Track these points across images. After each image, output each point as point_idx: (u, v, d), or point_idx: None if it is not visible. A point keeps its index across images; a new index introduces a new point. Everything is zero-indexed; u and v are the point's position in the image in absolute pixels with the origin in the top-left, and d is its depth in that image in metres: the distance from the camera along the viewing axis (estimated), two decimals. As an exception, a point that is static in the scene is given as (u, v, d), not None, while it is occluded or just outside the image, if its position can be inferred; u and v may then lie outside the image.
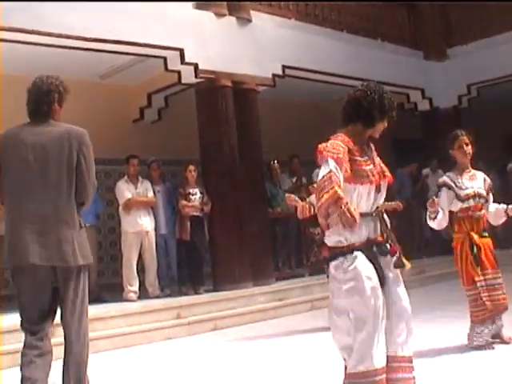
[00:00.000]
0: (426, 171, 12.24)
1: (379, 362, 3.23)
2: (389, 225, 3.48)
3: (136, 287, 8.41)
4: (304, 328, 7.36)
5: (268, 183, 9.99)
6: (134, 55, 8.84)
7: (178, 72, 8.98)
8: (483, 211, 5.43)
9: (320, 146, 3.40)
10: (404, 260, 3.41)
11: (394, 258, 3.41)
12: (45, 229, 3.77)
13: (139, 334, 7.20)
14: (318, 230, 10.07)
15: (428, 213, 5.33)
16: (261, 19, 9.84)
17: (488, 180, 5.56)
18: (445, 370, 4.76)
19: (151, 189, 8.78)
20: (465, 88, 12.86)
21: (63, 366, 3.91)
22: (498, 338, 5.46)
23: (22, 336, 4.10)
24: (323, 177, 3.24)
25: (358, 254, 3.32)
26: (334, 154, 3.27)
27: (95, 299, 7.58)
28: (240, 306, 8.32)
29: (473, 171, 5.56)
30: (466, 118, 12.32)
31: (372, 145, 3.57)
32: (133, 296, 8.30)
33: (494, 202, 5.58)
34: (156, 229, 8.79)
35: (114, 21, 7.92)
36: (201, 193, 8.80)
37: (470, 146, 5.49)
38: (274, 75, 9.85)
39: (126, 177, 8.72)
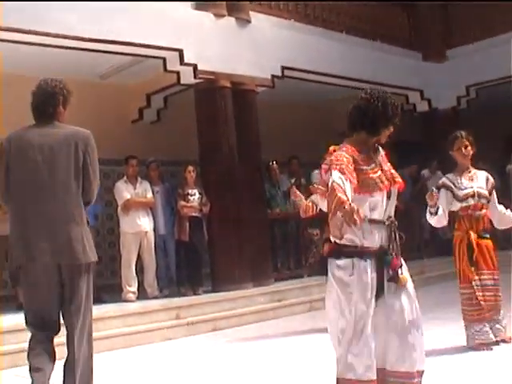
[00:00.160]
0: (425, 172, 12.24)
1: (363, 374, 3.22)
2: (397, 237, 3.45)
3: (135, 288, 8.40)
4: (303, 329, 7.36)
5: (267, 184, 9.99)
6: (133, 56, 8.83)
7: (177, 73, 8.98)
8: (484, 211, 5.43)
9: (324, 160, 3.39)
10: (400, 276, 3.38)
11: (391, 272, 3.39)
12: (54, 227, 3.84)
13: (138, 334, 7.20)
14: (316, 230, 10.12)
15: (428, 208, 5.32)
16: (260, 20, 9.84)
17: (491, 179, 5.56)
18: (442, 371, 4.76)
19: (150, 189, 8.78)
20: (464, 89, 12.87)
21: (66, 367, 3.90)
22: (500, 338, 5.46)
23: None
24: (329, 191, 3.19)
25: (367, 261, 3.30)
26: (337, 165, 3.23)
27: (94, 300, 7.54)
28: (239, 306, 8.32)
29: (474, 171, 5.55)
30: (464, 119, 12.32)
31: (381, 149, 3.53)
32: (132, 296, 8.29)
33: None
34: (155, 229, 8.80)
35: (114, 21, 7.92)
36: (200, 193, 8.79)
37: (469, 148, 5.49)
38: (273, 76, 9.85)
39: (124, 177, 8.72)
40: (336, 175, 3.20)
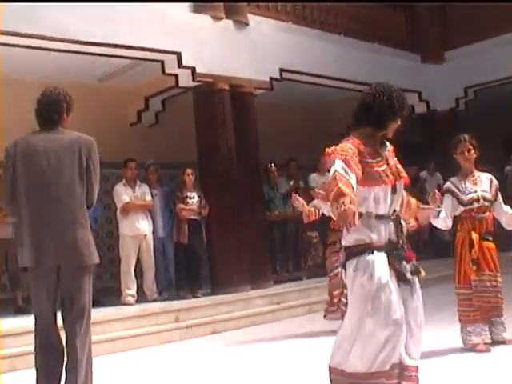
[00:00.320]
0: (423, 174, 12.24)
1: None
2: (405, 230, 3.46)
3: (134, 291, 8.40)
4: (302, 331, 7.36)
5: (265, 186, 9.99)
6: (132, 59, 8.83)
7: (176, 75, 8.98)
8: (487, 213, 5.43)
9: (328, 149, 3.37)
10: (420, 268, 3.42)
11: (410, 265, 3.40)
12: (60, 230, 3.98)
13: (137, 337, 7.19)
14: (315, 233, 10.12)
15: (431, 202, 5.30)
16: (258, 22, 9.84)
17: (495, 181, 5.55)
18: (439, 373, 4.76)
19: (149, 192, 8.78)
20: (462, 90, 12.89)
21: (68, 369, 3.98)
22: (500, 339, 5.46)
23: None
24: (330, 180, 3.21)
25: (378, 255, 3.31)
26: (342, 156, 3.23)
27: (93, 303, 7.55)
28: (238, 309, 8.31)
29: (478, 174, 5.54)
30: (463, 121, 12.32)
31: (389, 144, 3.53)
32: (131, 300, 8.29)
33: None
34: (154, 232, 8.79)
35: (112, 24, 7.92)
36: (198, 196, 8.79)
37: (472, 151, 5.48)
38: (272, 78, 9.85)
39: (123, 180, 8.72)
40: (339, 165, 3.20)
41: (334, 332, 6.78)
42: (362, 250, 3.32)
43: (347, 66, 10.87)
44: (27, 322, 6.56)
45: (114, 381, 5.62)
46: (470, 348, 5.35)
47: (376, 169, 3.35)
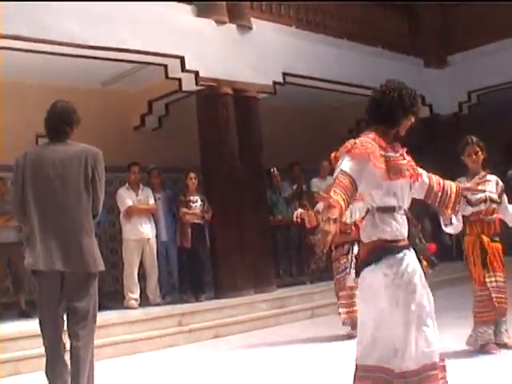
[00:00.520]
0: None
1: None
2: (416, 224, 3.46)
3: (137, 295, 8.40)
4: (305, 335, 7.34)
5: (268, 190, 9.98)
6: (135, 63, 8.85)
7: (179, 79, 8.99)
8: (495, 215, 5.48)
9: (348, 142, 3.30)
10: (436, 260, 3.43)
11: (431, 257, 3.41)
12: (66, 238, 4.12)
13: (140, 341, 7.18)
14: (318, 237, 10.10)
15: (442, 220, 5.30)
16: (261, 27, 9.85)
17: (500, 183, 5.60)
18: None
19: (152, 196, 8.79)
20: (465, 95, 12.89)
21: (71, 370, 4.05)
22: (502, 342, 5.47)
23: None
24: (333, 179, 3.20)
25: (408, 251, 3.31)
26: (358, 150, 3.20)
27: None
28: (241, 313, 8.30)
29: (485, 175, 5.57)
30: (466, 125, 12.32)
31: (399, 145, 3.51)
32: (134, 303, 8.28)
33: None
34: (157, 236, 8.79)
35: (115, 28, 7.93)
36: (201, 200, 8.79)
37: (480, 153, 5.53)
38: (275, 82, 9.86)
39: (127, 184, 8.72)
40: (346, 164, 3.18)
41: (337, 336, 6.82)
42: (390, 246, 3.30)
43: (350, 70, 10.88)
44: (30, 325, 6.58)
45: (116, 385, 5.62)
46: (479, 349, 5.36)
47: (399, 162, 3.34)
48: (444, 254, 11.19)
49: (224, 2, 9.35)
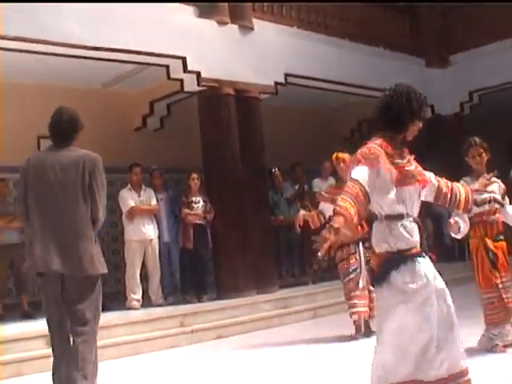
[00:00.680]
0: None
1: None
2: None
3: (139, 295, 8.40)
4: (307, 336, 7.33)
5: (270, 191, 9.97)
6: (137, 63, 8.85)
7: (181, 80, 8.99)
8: (497, 215, 5.48)
9: (359, 151, 3.28)
10: None
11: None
12: (65, 240, 4.22)
13: (142, 342, 7.19)
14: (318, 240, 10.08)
15: (451, 230, 5.27)
16: (263, 27, 9.85)
17: (502, 185, 5.61)
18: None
19: (154, 197, 8.79)
20: (467, 95, 12.87)
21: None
22: (507, 343, 5.47)
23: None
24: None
25: (423, 259, 3.32)
26: (369, 159, 3.20)
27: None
28: (243, 314, 8.29)
29: (488, 176, 5.56)
30: (468, 125, 12.31)
31: (407, 150, 3.49)
32: (136, 304, 8.29)
33: None
34: (159, 237, 8.79)
35: (116, 29, 7.92)
36: (204, 201, 8.79)
37: (483, 155, 5.53)
38: (277, 83, 9.85)
39: (129, 185, 8.72)
40: (358, 173, 3.16)
41: (339, 337, 6.81)
42: (405, 256, 3.28)
43: (352, 71, 10.87)
44: (33, 327, 6.60)
45: (119, 386, 5.62)
46: (490, 350, 5.38)
47: (407, 168, 3.32)
48: (446, 254, 11.21)
49: (226, 3, 9.35)
